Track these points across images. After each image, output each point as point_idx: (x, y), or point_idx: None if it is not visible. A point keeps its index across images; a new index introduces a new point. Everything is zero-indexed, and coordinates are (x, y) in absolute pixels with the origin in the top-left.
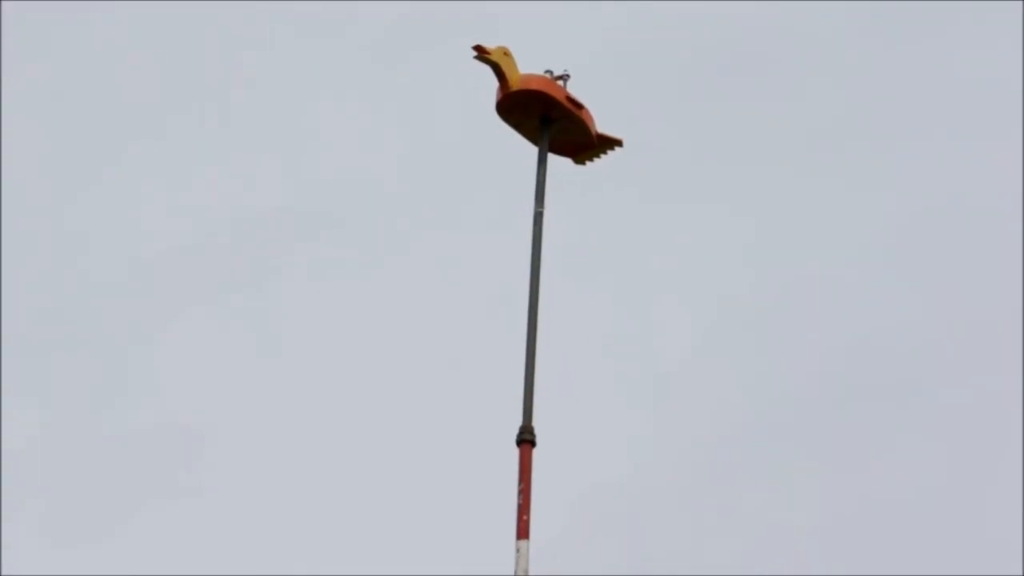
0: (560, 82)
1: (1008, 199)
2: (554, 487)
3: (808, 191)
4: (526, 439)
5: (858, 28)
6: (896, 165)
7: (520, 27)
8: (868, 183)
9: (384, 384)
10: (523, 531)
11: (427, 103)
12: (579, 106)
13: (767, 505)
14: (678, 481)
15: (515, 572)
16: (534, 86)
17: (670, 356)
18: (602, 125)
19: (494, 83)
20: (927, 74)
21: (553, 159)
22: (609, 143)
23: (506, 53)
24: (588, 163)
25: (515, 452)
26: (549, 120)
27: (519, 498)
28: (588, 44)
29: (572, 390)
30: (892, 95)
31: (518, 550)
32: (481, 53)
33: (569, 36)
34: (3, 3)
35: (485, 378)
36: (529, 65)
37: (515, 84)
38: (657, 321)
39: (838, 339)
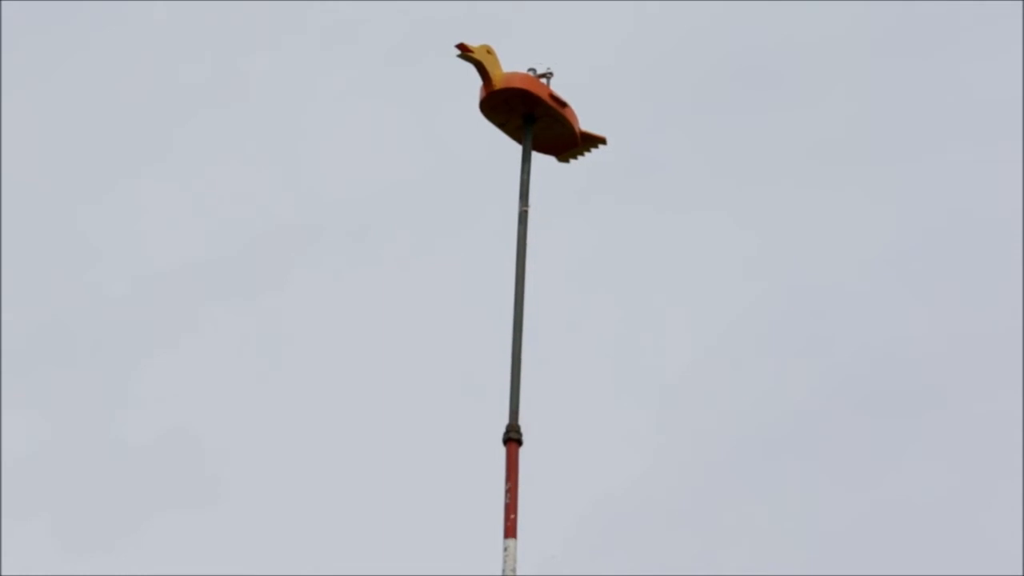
0: (543, 80)
1: (1015, 211)
2: (557, 498)
3: (815, 203)
4: (512, 438)
5: (867, 41)
6: (904, 177)
7: (528, 38)
8: (875, 195)
9: (382, 388)
10: (510, 530)
11: (427, 111)
12: (562, 104)
13: (772, 516)
14: (683, 491)
15: (503, 571)
16: (517, 84)
17: (675, 366)
18: (609, 135)
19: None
20: (936, 87)
21: (551, 160)
22: (593, 141)
23: (489, 51)
24: (572, 161)
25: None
26: (533, 118)
27: (506, 497)
28: (596, 56)
29: (577, 399)
30: (900, 108)
31: (506, 549)
32: (464, 51)
33: (577, 49)
34: (3, 3)
35: (476, 378)
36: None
37: (498, 82)
38: (662, 330)
39: (844, 350)
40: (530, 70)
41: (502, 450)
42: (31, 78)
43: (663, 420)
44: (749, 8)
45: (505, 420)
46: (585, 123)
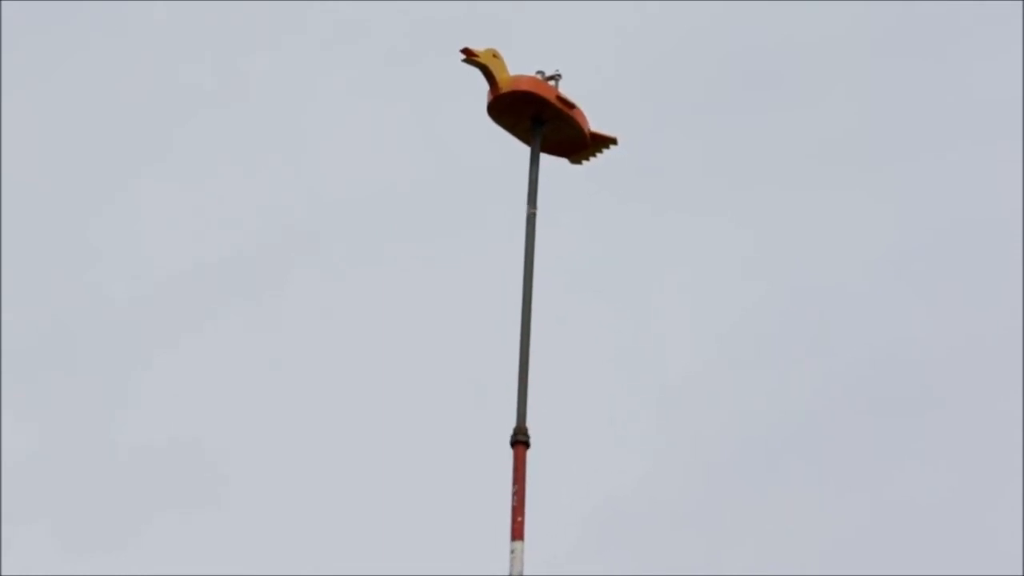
0: (551, 82)
1: (1015, 211)
2: (562, 501)
3: (816, 203)
4: (520, 440)
5: (867, 41)
6: (904, 177)
7: (528, 38)
8: (876, 195)
9: (384, 389)
10: (517, 532)
11: (427, 111)
12: (570, 105)
13: (775, 516)
14: (687, 492)
15: (510, 573)
16: (523, 87)
17: (677, 367)
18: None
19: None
20: (936, 87)
21: (555, 161)
22: (604, 142)
23: (495, 55)
24: (584, 162)
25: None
26: (541, 121)
27: (513, 499)
28: (596, 56)
29: (579, 400)
30: (900, 108)
31: (512, 551)
32: (469, 56)
33: (577, 48)
34: (2, 3)
35: (483, 381)
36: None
37: (505, 86)
38: (664, 332)
39: (846, 351)
40: (538, 72)
41: (507, 452)
42: (31, 78)
43: (666, 421)
44: (749, 8)
45: (508, 422)
46: None
